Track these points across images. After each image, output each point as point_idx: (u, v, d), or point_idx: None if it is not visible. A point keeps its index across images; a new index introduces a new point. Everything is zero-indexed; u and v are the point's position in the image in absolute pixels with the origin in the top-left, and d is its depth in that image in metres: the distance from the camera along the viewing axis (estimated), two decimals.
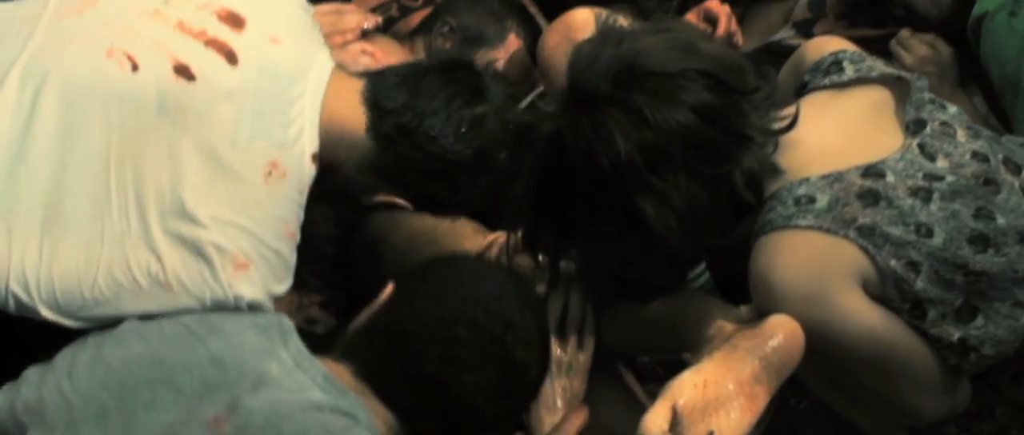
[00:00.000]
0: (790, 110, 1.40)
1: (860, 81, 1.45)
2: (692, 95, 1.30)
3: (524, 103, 1.81)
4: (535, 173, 1.39)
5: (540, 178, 1.38)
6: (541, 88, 1.82)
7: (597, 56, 1.33)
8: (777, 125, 1.37)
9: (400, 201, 1.49)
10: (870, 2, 2.02)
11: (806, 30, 2.16)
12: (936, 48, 1.89)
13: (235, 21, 1.43)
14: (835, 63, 1.47)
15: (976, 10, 1.75)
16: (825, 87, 1.46)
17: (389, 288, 1.41)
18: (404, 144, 1.44)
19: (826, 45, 1.53)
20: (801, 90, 1.48)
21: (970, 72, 2.06)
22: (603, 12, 1.72)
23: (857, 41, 2.12)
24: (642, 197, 1.31)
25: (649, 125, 1.29)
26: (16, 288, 1.33)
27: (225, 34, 1.41)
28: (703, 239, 1.37)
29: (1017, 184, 1.41)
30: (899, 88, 1.46)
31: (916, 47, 1.89)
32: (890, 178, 1.36)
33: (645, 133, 1.29)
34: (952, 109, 1.47)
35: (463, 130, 1.45)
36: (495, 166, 1.48)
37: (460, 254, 1.60)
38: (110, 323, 1.35)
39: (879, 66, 1.48)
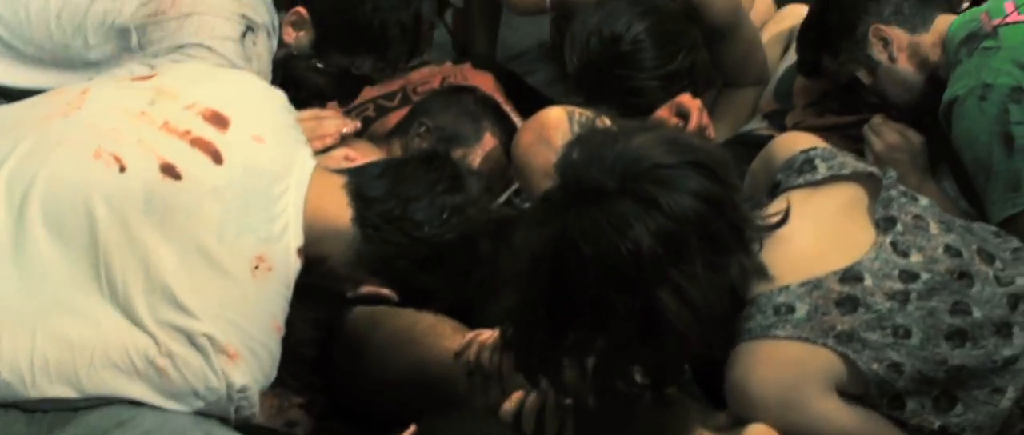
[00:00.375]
0: (779, 205, 1.41)
1: (833, 178, 1.46)
2: (696, 183, 1.31)
3: (501, 200, 1.83)
4: (534, 276, 1.34)
5: (541, 281, 1.34)
6: (516, 185, 1.83)
7: (598, 153, 1.32)
8: (765, 221, 1.38)
9: (385, 292, 1.50)
10: (842, 89, 2.05)
11: (777, 121, 2.19)
12: (906, 136, 1.92)
13: (219, 121, 1.45)
14: (807, 162, 1.48)
15: (947, 95, 1.78)
16: (800, 186, 1.46)
17: (412, 429, 1.43)
18: (390, 231, 1.46)
19: (795, 142, 1.54)
20: (774, 189, 1.49)
21: (941, 157, 2.09)
22: (576, 110, 1.74)
23: (828, 128, 2.16)
24: (662, 289, 1.28)
25: (664, 213, 1.28)
26: (8, 376, 1.33)
27: (210, 134, 1.44)
28: (713, 335, 1.35)
29: (991, 274, 1.43)
30: (871, 183, 1.48)
31: (887, 134, 1.92)
32: (867, 281, 1.37)
33: (661, 221, 1.28)
34: (923, 201, 1.49)
35: (446, 216, 1.48)
36: (479, 253, 1.49)
37: (484, 409, 1.61)
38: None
39: (850, 162, 1.49)
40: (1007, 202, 1.70)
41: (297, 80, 1.80)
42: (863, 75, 1.95)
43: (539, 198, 1.40)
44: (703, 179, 1.31)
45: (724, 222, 1.32)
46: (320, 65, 1.88)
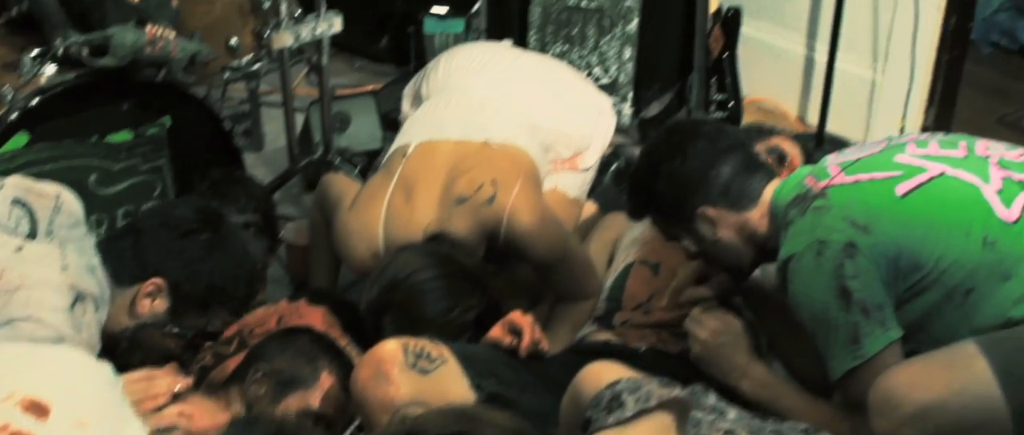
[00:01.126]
0: None
1: (642, 413, 1.47)
2: None
3: None
4: None
5: None
6: (359, 421, 1.84)
7: None
8: None
9: None
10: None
11: (606, 322, 2.25)
12: (726, 321, 1.98)
13: (39, 410, 1.42)
14: (614, 398, 1.49)
15: (783, 253, 1.81)
16: (610, 426, 1.47)
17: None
18: None
19: (600, 376, 1.56)
20: (586, 427, 1.50)
21: (769, 339, 2.18)
22: (411, 341, 1.76)
23: (655, 325, 2.23)
24: None
25: None
26: None
27: (29, 425, 1.39)
28: None
29: None
30: (679, 407, 1.50)
31: (708, 322, 1.98)
32: None
33: None
34: (731, 414, 1.52)
35: None
36: None
37: None
38: None
39: (656, 390, 1.50)
40: (847, 355, 1.73)
41: (147, 348, 1.79)
42: (689, 244, 2.01)
43: None
44: None
45: None
46: (176, 330, 1.88)
